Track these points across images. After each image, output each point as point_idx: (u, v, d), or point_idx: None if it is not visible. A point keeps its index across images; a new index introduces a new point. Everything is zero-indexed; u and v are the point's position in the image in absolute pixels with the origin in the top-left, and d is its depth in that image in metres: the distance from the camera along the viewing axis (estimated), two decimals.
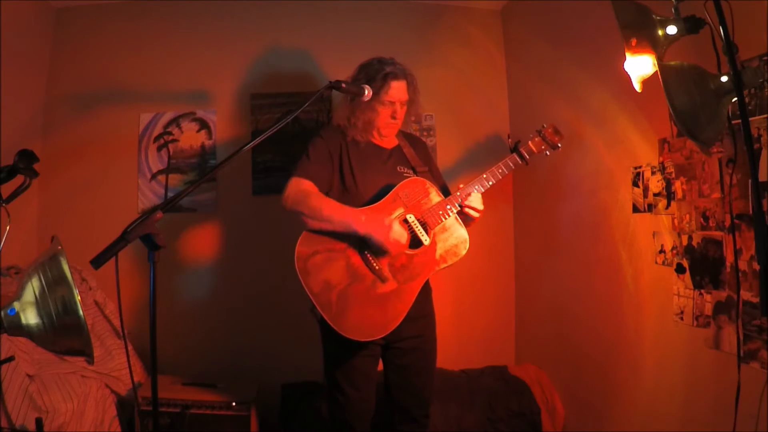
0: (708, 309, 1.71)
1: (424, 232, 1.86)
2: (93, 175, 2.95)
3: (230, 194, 3.01)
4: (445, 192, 2.01)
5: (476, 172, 1.96)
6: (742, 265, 1.54)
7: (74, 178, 2.93)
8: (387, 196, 1.89)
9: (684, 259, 1.82)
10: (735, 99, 1.18)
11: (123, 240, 1.21)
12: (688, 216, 1.80)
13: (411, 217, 1.87)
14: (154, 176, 2.99)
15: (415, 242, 1.87)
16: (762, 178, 1.45)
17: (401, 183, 1.90)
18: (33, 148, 1.56)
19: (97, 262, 1.18)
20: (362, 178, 1.95)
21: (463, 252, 1.89)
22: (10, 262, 2.49)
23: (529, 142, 2.02)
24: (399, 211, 1.88)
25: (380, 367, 2.03)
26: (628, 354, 2.15)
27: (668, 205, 1.89)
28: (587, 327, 2.46)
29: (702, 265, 1.74)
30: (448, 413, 2.52)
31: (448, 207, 1.89)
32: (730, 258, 1.61)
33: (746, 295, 1.54)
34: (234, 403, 2.39)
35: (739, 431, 1.44)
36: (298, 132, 2.98)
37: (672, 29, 1.30)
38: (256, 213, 2.98)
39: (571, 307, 2.59)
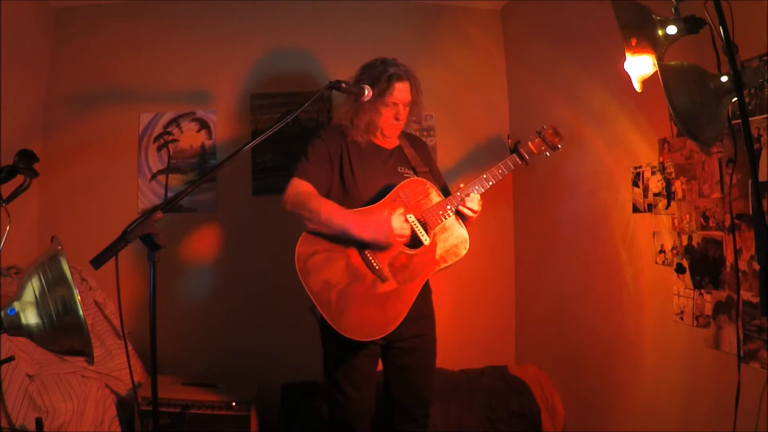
0: (708, 309, 1.71)
1: (424, 232, 1.87)
2: (93, 175, 2.95)
3: (230, 194, 3.01)
4: (446, 192, 2.01)
5: (476, 173, 1.96)
6: (742, 265, 1.54)
7: (74, 178, 2.94)
8: (387, 196, 1.89)
9: (684, 259, 1.82)
10: (735, 99, 1.18)
11: (123, 240, 1.21)
12: (688, 216, 1.80)
13: (411, 217, 1.87)
14: (154, 176, 2.99)
15: (415, 242, 1.87)
16: (762, 178, 1.45)
17: (401, 183, 1.90)
18: (33, 148, 1.56)
19: (97, 262, 1.18)
20: (362, 178, 1.95)
21: (464, 252, 1.89)
22: (10, 262, 2.49)
23: (529, 143, 2.02)
24: (399, 212, 1.88)
25: (380, 367, 2.03)
26: (628, 354, 2.15)
27: (668, 205, 1.89)
28: (587, 327, 2.46)
29: (702, 265, 1.74)
30: (448, 413, 2.52)
31: (448, 207, 1.89)
32: (730, 258, 1.61)
33: (746, 295, 1.54)
34: (234, 403, 2.39)
35: (739, 431, 1.44)
36: (298, 132, 2.98)
37: (672, 29, 1.30)
38: (256, 213, 2.98)
39: (571, 307, 2.59)
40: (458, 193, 1.90)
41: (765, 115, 1.45)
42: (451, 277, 2.86)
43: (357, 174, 1.95)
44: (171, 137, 3.01)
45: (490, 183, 1.94)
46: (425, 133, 3.09)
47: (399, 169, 2.01)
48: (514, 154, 1.99)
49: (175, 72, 3.02)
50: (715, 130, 1.33)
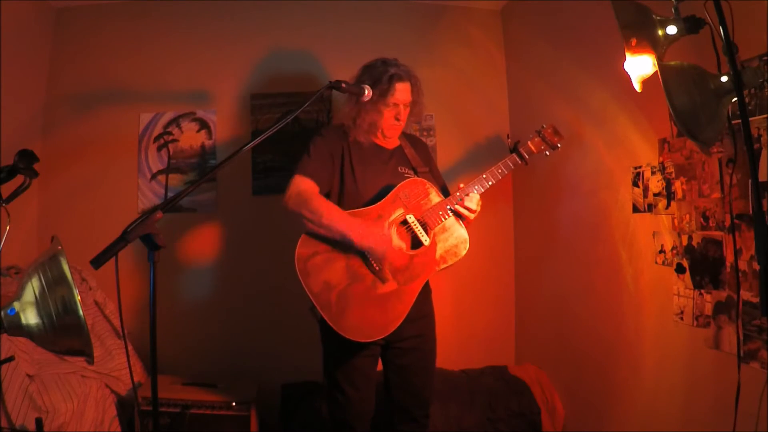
0: (708, 309, 1.71)
1: (424, 233, 1.87)
2: (93, 175, 2.95)
3: (230, 194, 3.01)
4: (445, 192, 2.01)
5: (476, 172, 1.96)
6: (742, 265, 1.54)
7: (74, 178, 2.93)
8: (387, 196, 1.89)
9: (684, 259, 1.82)
10: (735, 99, 1.18)
11: (123, 240, 1.21)
12: (688, 216, 1.80)
13: (411, 218, 1.87)
14: (154, 176, 2.99)
15: (415, 243, 1.87)
16: (762, 178, 1.45)
17: (401, 184, 1.90)
18: (33, 148, 1.56)
19: (97, 262, 1.18)
20: (363, 178, 1.95)
21: (463, 252, 1.89)
22: (10, 262, 2.49)
23: (529, 143, 2.02)
24: (399, 212, 1.88)
25: (379, 367, 2.03)
26: (628, 354, 2.15)
27: (668, 205, 1.89)
28: (587, 327, 2.46)
29: (702, 265, 1.74)
30: (448, 413, 2.52)
31: (448, 207, 1.89)
32: (730, 258, 1.61)
33: (746, 295, 1.54)
34: (234, 403, 2.39)
35: (739, 431, 1.44)
36: (298, 132, 2.98)
37: (672, 29, 1.30)
38: (256, 213, 2.98)
39: (571, 307, 2.59)
40: (458, 194, 1.90)
41: (765, 115, 1.45)
42: (451, 277, 2.86)
43: (357, 173, 1.95)
44: (171, 137, 3.01)
45: (490, 183, 1.94)
46: (425, 133, 3.09)
47: (399, 169, 2.01)
48: (514, 154, 1.99)
49: (175, 72, 3.02)
50: (715, 130, 1.33)
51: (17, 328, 1.26)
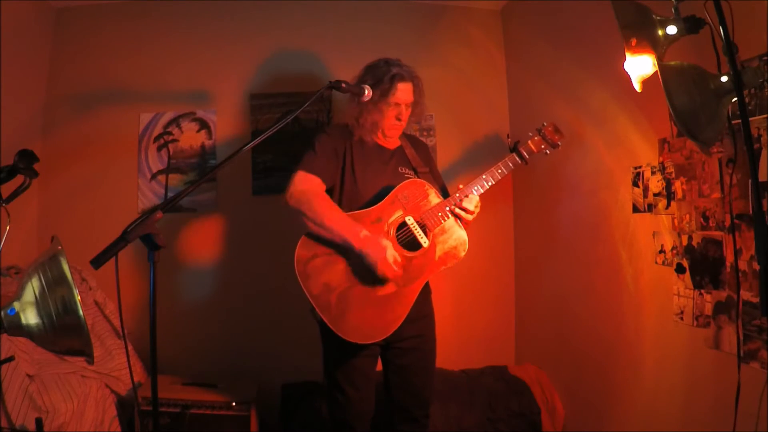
0: (708, 309, 1.71)
1: (423, 235, 1.86)
2: (93, 175, 2.95)
3: (230, 194, 3.01)
4: (445, 193, 2.01)
5: (476, 172, 1.96)
6: (742, 265, 1.54)
7: (74, 178, 2.93)
8: (386, 197, 1.88)
9: (684, 259, 1.82)
10: (735, 99, 1.18)
11: (123, 240, 1.21)
12: (688, 216, 1.80)
13: (410, 220, 1.87)
14: (154, 176, 2.99)
15: (414, 245, 1.87)
16: (762, 178, 1.45)
17: (400, 185, 1.90)
18: (33, 148, 1.56)
19: (97, 262, 1.18)
20: (363, 177, 1.94)
21: (462, 254, 1.89)
22: (10, 262, 2.49)
23: (529, 142, 2.02)
24: (398, 213, 1.88)
25: (379, 367, 2.03)
26: (628, 354, 2.15)
27: (668, 205, 1.89)
28: (587, 327, 2.46)
29: (702, 265, 1.74)
30: (448, 413, 2.52)
31: (447, 209, 1.89)
32: (730, 258, 1.61)
33: (746, 295, 1.54)
34: (234, 403, 2.39)
35: (739, 431, 1.44)
36: (298, 132, 2.98)
37: (672, 29, 1.30)
38: (256, 213, 2.98)
39: (571, 307, 2.59)
40: (457, 194, 1.90)
41: (765, 115, 1.45)
42: (451, 277, 2.86)
43: (358, 173, 1.95)
44: (171, 137, 3.01)
45: (490, 183, 1.93)
46: (425, 133, 3.09)
47: (400, 169, 2.01)
48: (514, 154, 1.98)
49: (175, 72, 3.02)
50: (715, 130, 1.33)
51: (17, 328, 1.26)
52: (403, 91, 1.93)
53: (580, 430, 2.50)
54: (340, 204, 1.90)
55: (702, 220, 1.73)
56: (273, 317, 2.91)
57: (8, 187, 1.49)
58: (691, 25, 1.30)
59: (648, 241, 2.01)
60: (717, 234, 1.67)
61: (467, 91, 3.17)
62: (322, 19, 3.09)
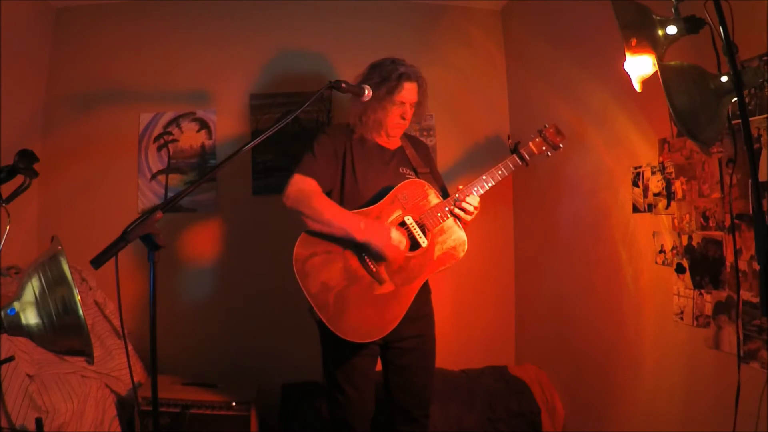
0: (708, 309, 1.71)
1: (422, 234, 1.86)
2: (93, 175, 2.95)
3: (230, 194, 3.01)
4: (445, 194, 2.01)
5: (476, 173, 1.96)
6: (742, 265, 1.54)
7: (74, 178, 2.94)
8: (386, 197, 1.88)
9: (684, 259, 1.82)
10: (735, 99, 1.18)
11: (123, 240, 1.21)
12: (688, 216, 1.80)
13: (409, 219, 1.87)
14: (154, 176, 2.99)
15: (413, 244, 1.87)
16: (762, 178, 1.45)
17: (400, 184, 1.90)
18: (33, 148, 1.56)
19: (97, 262, 1.18)
20: (364, 177, 1.95)
21: (461, 254, 1.89)
22: (10, 262, 2.49)
23: (530, 143, 2.02)
24: (397, 213, 1.88)
25: (379, 367, 2.03)
26: (628, 354, 2.15)
27: (668, 205, 1.89)
28: (587, 327, 2.46)
29: (702, 265, 1.74)
30: (448, 413, 2.52)
31: (447, 209, 1.89)
32: (730, 258, 1.61)
33: (746, 295, 1.54)
34: (234, 403, 2.39)
35: (739, 431, 1.44)
36: (298, 132, 2.98)
37: (672, 29, 1.30)
38: (256, 213, 2.98)
39: (571, 307, 2.59)
40: (457, 195, 1.90)
41: (765, 115, 1.45)
42: (451, 277, 2.86)
43: (359, 173, 1.95)
44: (171, 137, 3.01)
45: (490, 184, 1.93)
46: (425, 133, 3.09)
47: (401, 169, 2.01)
48: (514, 155, 1.98)
49: (175, 72, 3.02)
50: (715, 130, 1.33)
51: (17, 328, 1.26)
52: (409, 91, 1.94)
53: (580, 430, 2.50)
54: (340, 204, 1.90)
55: (702, 220, 1.73)
56: (273, 317, 2.91)
57: (8, 187, 1.49)
58: (691, 25, 1.30)
59: (648, 241, 2.01)
60: (717, 234, 1.67)
61: (467, 91, 3.17)
62: (322, 19, 3.09)
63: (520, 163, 1.98)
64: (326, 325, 1.78)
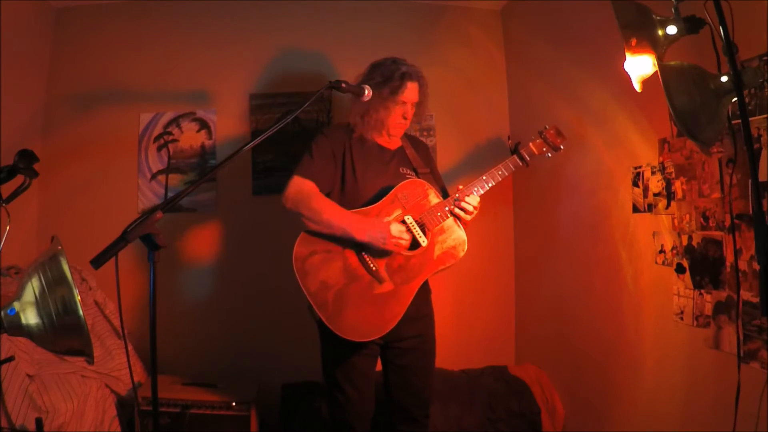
0: (708, 309, 1.71)
1: (422, 234, 1.86)
2: (93, 175, 2.95)
3: (230, 194, 3.01)
4: (445, 194, 2.01)
5: (476, 173, 1.96)
6: (742, 265, 1.54)
7: (74, 178, 2.94)
8: (386, 197, 1.89)
9: (684, 259, 1.82)
10: (735, 99, 1.18)
11: (123, 240, 1.21)
12: (688, 216, 1.80)
13: (409, 219, 1.87)
14: (154, 176, 2.99)
15: (413, 244, 1.87)
16: (762, 178, 1.45)
17: (400, 184, 1.90)
18: (33, 148, 1.56)
19: (97, 262, 1.18)
20: (364, 177, 1.95)
21: (461, 254, 1.89)
22: (10, 262, 2.49)
23: (530, 144, 2.02)
24: (397, 213, 1.88)
25: (379, 367, 2.03)
26: (628, 354, 2.15)
27: (668, 205, 1.89)
28: (587, 327, 2.46)
29: (702, 265, 1.74)
30: (448, 413, 2.52)
31: (447, 209, 1.89)
32: (730, 258, 1.61)
33: (746, 295, 1.54)
34: (234, 403, 2.39)
35: (739, 431, 1.44)
36: (298, 132, 2.98)
37: (672, 29, 1.30)
38: (256, 213, 2.98)
39: (571, 307, 2.59)
40: (457, 195, 1.90)
41: (765, 115, 1.45)
42: (451, 277, 2.86)
43: (359, 173, 1.95)
44: (171, 137, 3.01)
45: (490, 184, 1.93)
46: (425, 133, 3.09)
47: (401, 169, 2.01)
48: (515, 156, 1.98)
49: (175, 72, 3.02)
50: (715, 130, 1.34)
51: (17, 328, 1.26)
52: (411, 90, 1.94)
53: (580, 430, 2.50)
54: (340, 203, 1.90)
55: (702, 220, 1.73)
56: (273, 317, 2.91)
57: (8, 187, 1.49)
58: (691, 25, 1.30)
59: (648, 241, 2.01)
60: (717, 234, 1.67)
61: (467, 91, 3.17)
62: (322, 19, 3.09)
63: (521, 163, 1.98)
64: (325, 323, 1.78)
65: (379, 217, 1.86)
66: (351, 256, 1.84)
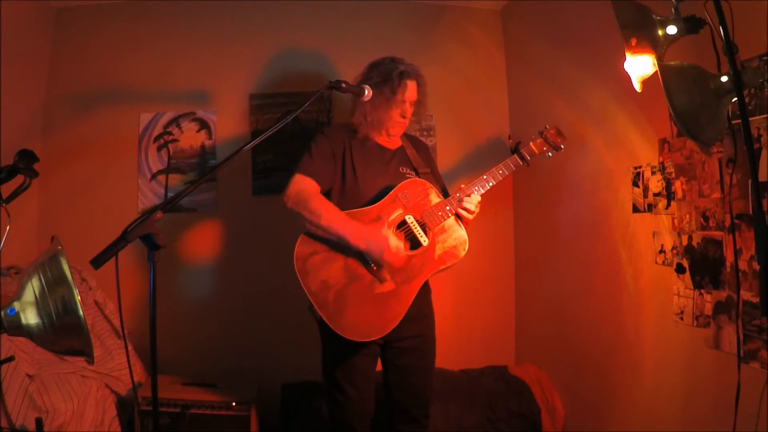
0: (708, 309, 1.71)
1: (423, 233, 1.86)
2: (93, 175, 2.95)
3: (230, 194, 3.01)
4: (446, 194, 2.01)
5: (476, 173, 1.96)
6: (742, 265, 1.54)
7: (74, 178, 2.93)
8: (386, 197, 1.89)
9: (684, 259, 1.82)
10: (735, 99, 1.18)
11: (123, 240, 1.21)
12: (688, 216, 1.80)
13: (410, 218, 1.87)
14: (154, 176, 2.99)
15: (414, 243, 1.87)
16: (762, 178, 1.45)
17: (401, 184, 1.90)
18: (33, 148, 1.56)
19: (97, 262, 1.18)
20: (364, 177, 1.95)
21: (462, 253, 1.89)
22: (10, 262, 2.49)
23: (531, 143, 2.02)
24: (398, 212, 1.88)
25: (379, 367, 2.03)
26: (628, 354, 2.15)
27: (668, 205, 1.89)
28: (587, 327, 2.46)
29: (702, 265, 1.74)
30: (448, 413, 2.52)
31: (448, 208, 1.89)
32: (730, 258, 1.61)
33: (746, 295, 1.54)
34: (234, 403, 2.39)
35: (739, 431, 1.44)
36: (298, 132, 2.98)
37: (672, 29, 1.30)
38: (256, 213, 2.98)
39: (571, 307, 2.59)
40: (458, 194, 1.90)
41: (765, 115, 1.45)
42: (451, 277, 2.85)
43: (359, 172, 1.95)
44: (171, 137, 3.01)
45: (491, 184, 1.93)
46: (425, 133, 3.09)
47: (401, 169, 2.01)
48: (515, 155, 1.98)
49: (175, 72, 3.02)
50: (715, 130, 1.34)
51: (17, 328, 1.26)
52: (410, 89, 1.95)
53: (580, 430, 2.50)
54: (341, 203, 1.90)
55: (702, 220, 1.73)
56: (273, 317, 2.91)
57: (8, 187, 1.49)
58: (691, 25, 1.30)
59: (648, 241, 2.01)
60: (717, 234, 1.67)
61: (467, 91, 3.17)
62: (322, 19, 3.09)
63: (521, 163, 1.98)
64: (326, 323, 1.78)
65: (381, 219, 1.86)
66: (352, 255, 1.84)
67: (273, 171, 3.00)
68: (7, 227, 1.51)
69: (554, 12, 2.66)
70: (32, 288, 1.26)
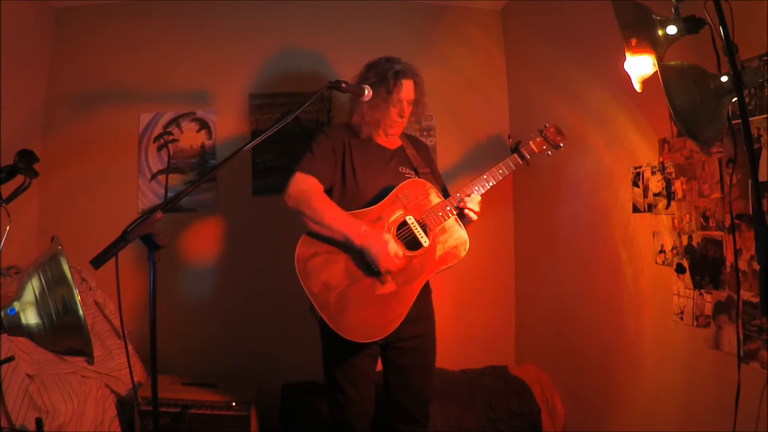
0: (708, 309, 1.71)
1: (423, 234, 1.86)
2: (93, 175, 2.95)
3: (230, 194, 3.01)
4: (446, 194, 2.01)
5: (476, 173, 1.96)
6: (742, 265, 1.54)
7: (74, 178, 2.93)
8: (387, 197, 1.89)
9: (684, 259, 1.82)
10: (735, 99, 1.18)
11: (123, 240, 1.21)
12: (688, 216, 1.80)
13: (410, 219, 1.87)
14: (154, 176, 2.99)
15: (414, 244, 1.87)
16: (762, 178, 1.45)
17: (401, 184, 1.90)
18: (33, 148, 1.56)
19: (97, 262, 1.18)
20: (363, 177, 1.95)
21: (463, 253, 1.89)
22: (10, 262, 2.49)
23: (531, 142, 2.02)
24: (398, 213, 1.88)
25: (379, 367, 2.03)
26: (628, 354, 2.15)
27: (668, 205, 1.89)
28: (587, 327, 2.46)
29: (702, 265, 1.74)
30: (448, 413, 2.52)
31: (448, 208, 1.89)
32: (730, 258, 1.61)
33: (746, 295, 1.54)
34: (234, 403, 2.39)
35: (739, 431, 1.44)
36: (298, 132, 2.98)
37: (672, 29, 1.30)
38: (256, 213, 2.98)
39: (571, 307, 2.59)
40: (458, 194, 1.90)
41: (765, 115, 1.45)
42: (451, 277, 2.85)
43: (358, 172, 1.95)
44: (171, 137, 3.01)
45: (491, 183, 1.94)
46: (425, 133, 3.09)
47: (401, 169, 2.01)
48: (515, 154, 1.99)
49: (175, 72, 3.02)
50: (715, 130, 1.34)
51: (17, 328, 1.26)
52: (406, 88, 1.94)
53: (580, 430, 2.50)
54: (341, 203, 1.90)
55: (702, 220, 1.73)
56: (273, 317, 2.91)
57: (8, 187, 1.49)
58: (691, 25, 1.30)
59: (648, 241, 2.01)
60: (717, 234, 1.67)
61: (467, 91, 3.17)
62: (322, 19, 3.09)
63: (521, 162, 1.98)
64: (327, 324, 1.78)
65: (382, 219, 1.86)
66: (353, 257, 1.84)
67: (273, 171, 3.00)
68: (7, 227, 1.50)
69: (554, 12, 2.66)
70: (32, 288, 1.26)
